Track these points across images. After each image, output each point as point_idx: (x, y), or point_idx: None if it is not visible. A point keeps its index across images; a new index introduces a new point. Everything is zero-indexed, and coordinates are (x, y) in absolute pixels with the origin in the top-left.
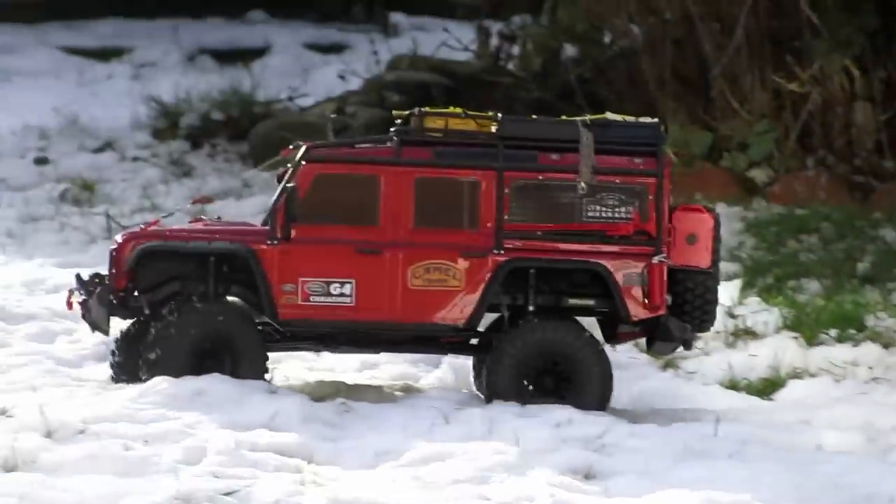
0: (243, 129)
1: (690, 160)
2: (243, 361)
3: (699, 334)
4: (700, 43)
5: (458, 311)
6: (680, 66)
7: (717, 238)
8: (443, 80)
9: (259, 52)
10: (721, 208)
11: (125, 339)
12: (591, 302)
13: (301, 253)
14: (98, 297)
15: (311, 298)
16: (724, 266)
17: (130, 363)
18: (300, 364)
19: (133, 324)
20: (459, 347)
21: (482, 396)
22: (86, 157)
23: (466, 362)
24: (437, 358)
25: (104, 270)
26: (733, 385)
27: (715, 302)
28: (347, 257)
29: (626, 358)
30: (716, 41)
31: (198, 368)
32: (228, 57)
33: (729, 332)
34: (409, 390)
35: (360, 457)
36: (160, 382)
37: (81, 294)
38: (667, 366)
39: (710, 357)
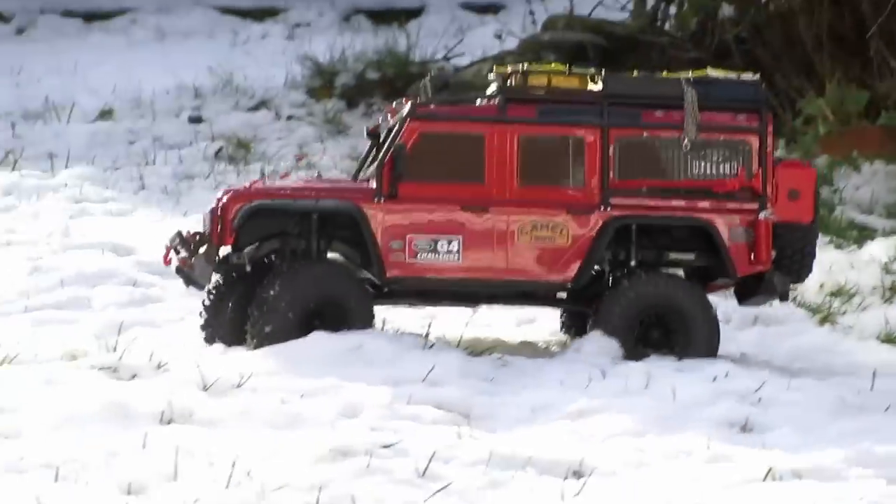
0: (399, 89)
1: (847, 119)
2: (353, 323)
3: (796, 286)
4: (857, 2)
5: (564, 268)
6: (837, 26)
7: (817, 193)
8: (598, 40)
9: (415, 13)
10: (878, 166)
11: (213, 299)
12: (691, 257)
13: (408, 210)
14: (206, 255)
15: (418, 256)
16: (882, 223)
17: (219, 323)
18: (456, 319)
19: (220, 283)
20: (562, 302)
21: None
22: (240, 116)
23: None
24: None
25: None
26: (890, 339)
27: (813, 255)
28: (454, 214)
29: (783, 313)
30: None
31: (307, 331)
32: (383, 17)
33: (886, 288)
34: (566, 345)
35: (518, 411)
36: (318, 338)
37: (182, 251)
38: (823, 320)
39: (866, 312)
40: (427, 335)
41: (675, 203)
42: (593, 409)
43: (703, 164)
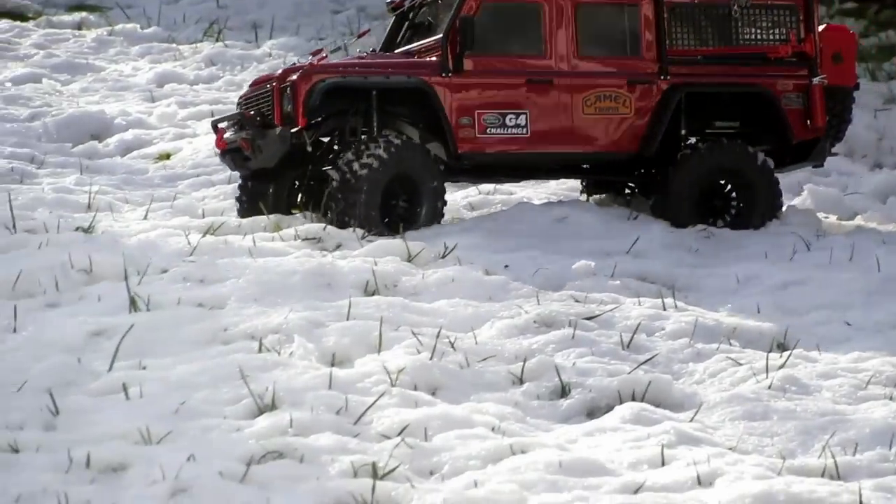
0: None
1: None
2: (425, 201)
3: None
4: None
5: (629, 139)
6: None
7: (856, 57)
8: None
9: None
10: None
11: (249, 181)
12: (736, 124)
13: (476, 85)
14: (280, 136)
15: (487, 131)
16: None
17: (256, 205)
18: None
19: (235, 160)
20: (627, 171)
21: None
22: None
23: (828, 190)
24: (798, 184)
25: None
26: None
27: (850, 120)
28: (519, 88)
29: None
30: None
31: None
32: None
33: None
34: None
35: (722, 282)
36: (523, 209)
37: (238, 133)
38: None
39: None
40: (629, 201)
41: (732, 70)
42: (797, 280)
43: (753, 29)
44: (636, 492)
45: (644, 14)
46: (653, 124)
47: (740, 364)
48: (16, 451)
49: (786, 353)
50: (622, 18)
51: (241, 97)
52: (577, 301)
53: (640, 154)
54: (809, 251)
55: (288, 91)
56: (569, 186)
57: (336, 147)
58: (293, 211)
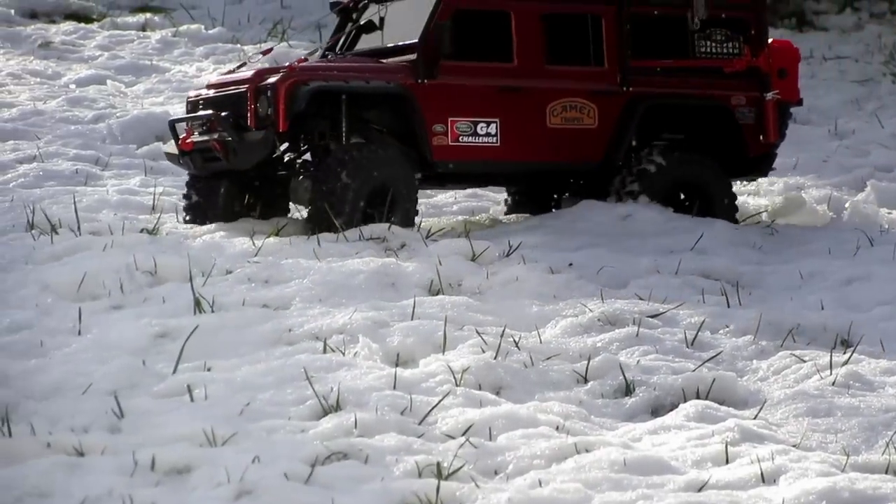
0: None
1: None
2: (398, 209)
3: None
4: None
5: (595, 149)
6: None
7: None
8: None
9: None
10: None
11: (202, 182)
12: (681, 137)
13: (450, 91)
14: (263, 140)
15: (460, 139)
16: None
17: (210, 205)
18: None
19: (200, 162)
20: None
21: None
22: None
23: (890, 185)
24: (861, 180)
25: None
26: None
27: (784, 136)
28: (491, 96)
29: None
30: None
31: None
32: None
33: None
34: (838, 210)
35: (786, 279)
36: (587, 207)
37: (212, 134)
38: None
39: None
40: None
41: (692, 83)
42: (861, 276)
43: (709, 42)
44: (700, 490)
45: (607, 24)
46: (617, 135)
47: (804, 361)
48: (81, 453)
49: (849, 350)
50: (586, 29)
51: (195, 98)
52: (641, 299)
53: (604, 164)
54: (873, 247)
55: (268, 93)
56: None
57: (302, 151)
58: (252, 214)
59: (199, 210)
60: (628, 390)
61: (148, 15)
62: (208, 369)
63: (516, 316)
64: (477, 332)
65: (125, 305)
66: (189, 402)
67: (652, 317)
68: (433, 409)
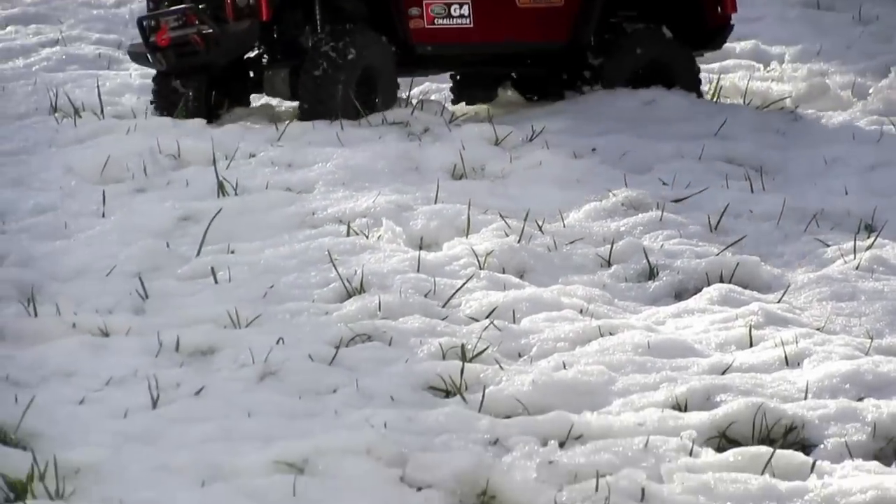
0: None
1: None
2: (383, 95)
3: None
4: None
5: (564, 28)
6: None
7: None
8: None
9: None
10: None
11: (168, 79)
12: (634, 13)
13: None
14: (248, 30)
15: (435, 21)
16: None
17: (173, 96)
18: (744, 74)
19: (174, 58)
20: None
21: None
22: None
23: None
24: (885, 66)
25: None
26: None
27: None
28: None
29: None
30: None
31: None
32: None
33: None
34: (862, 95)
35: (810, 165)
36: (611, 94)
37: (189, 28)
38: None
39: None
40: (717, 90)
41: None
42: (885, 162)
43: None
44: (724, 372)
45: None
46: (585, 13)
47: (827, 245)
48: (106, 334)
49: (873, 235)
50: None
51: None
52: (664, 184)
53: (572, 43)
54: None
55: None
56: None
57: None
58: (219, 111)
59: (169, 108)
60: (652, 274)
61: None
62: (232, 252)
63: (539, 200)
64: (500, 215)
65: (148, 188)
66: (213, 284)
67: (675, 201)
68: (457, 292)
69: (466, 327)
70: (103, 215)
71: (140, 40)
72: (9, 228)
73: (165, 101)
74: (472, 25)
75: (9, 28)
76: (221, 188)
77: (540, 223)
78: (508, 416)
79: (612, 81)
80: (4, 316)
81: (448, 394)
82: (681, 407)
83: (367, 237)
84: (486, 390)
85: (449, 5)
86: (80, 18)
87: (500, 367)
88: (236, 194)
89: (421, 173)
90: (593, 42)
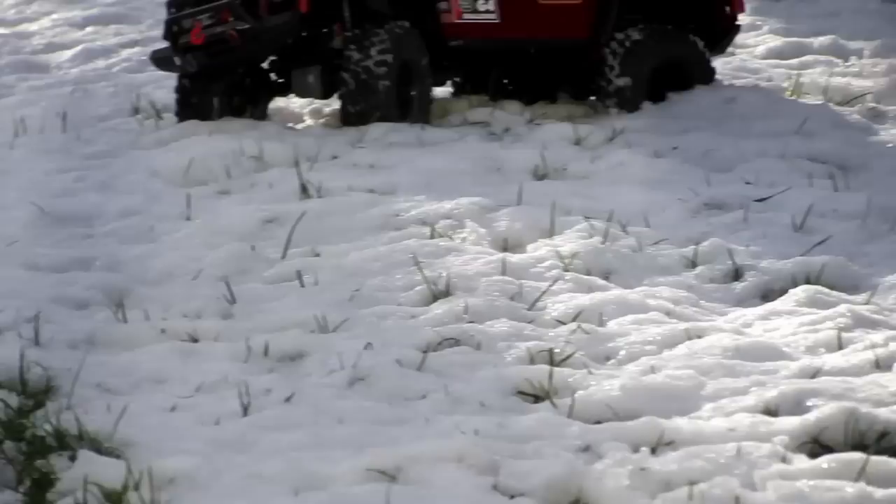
0: None
1: None
2: (420, 90)
3: None
4: None
5: (584, 24)
6: None
7: None
8: None
9: None
10: None
11: (193, 79)
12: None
13: None
14: (288, 23)
15: (463, 16)
16: None
17: (199, 103)
18: (824, 70)
19: (205, 58)
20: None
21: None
22: None
23: None
24: None
25: None
26: None
27: None
28: None
29: None
30: None
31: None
32: None
33: None
34: None
35: (893, 162)
36: (692, 93)
37: (224, 25)
38: None
39: None
40: (793, 87)
41: None
42: None
43: None
44: (814, 376)
45: None
46: (601, 10)
47: None
48: (195, 340)
49: None
50: None
51: None
52: (747, 183)
53: (591, 41)
54: None
55: None
56: None
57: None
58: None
59: (195, 111)
60: (737, 275)
61: None
62: (317, 255)
63: (622, 200)
64: (584, 216)
65: (232, 191)
66: (299, 287)
67: (759, 200)
68: (543, 294)
69: (553, 330)
70: (188, 218)
71: (165, 45)
72: (96, 232)
73: (190, 109)
74: (498, 20)
75: (88, 29)
76: (305, 190)
77: (623, 224)
78: (598, 422)
79: (635, 83)
80: (95, 321)
81: (537, 399)
82: (772, 412)
83: (451, 239)
84: (576, 395)
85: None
86: (159, 18)
87: (589, 371)
88: (319, 196)
89: (503, 174)
90: (610, 41)
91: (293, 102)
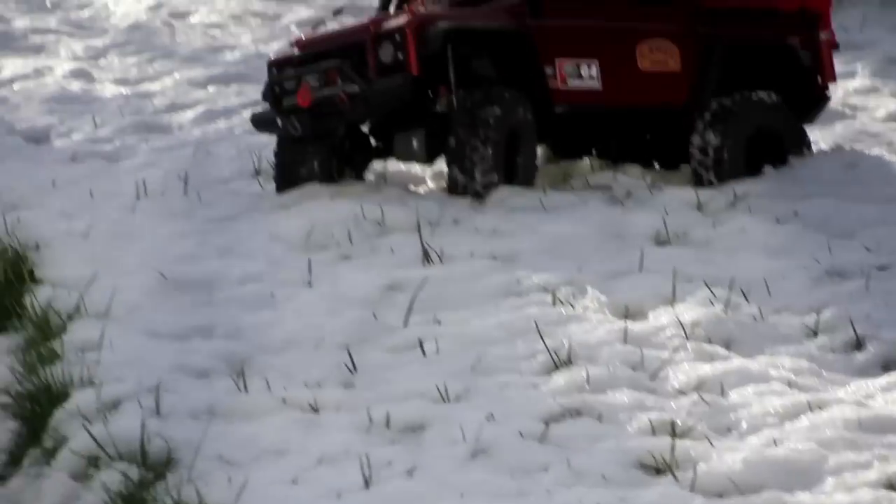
0: None
1: None
2: (526, 156)
3: None
4: None
5: (679, 91)
6: None
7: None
8: None
9: None
10: None
11: (289, 146)
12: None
13: (555, 32)
14: (401, 86)
15: (567, 81)
16: None
17: (298, 171)
18: None
19: (310, 120)
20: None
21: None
22: None
23: None
24: None
25: None
26: None
27: None
28: (588, 37)
29: None
30: None
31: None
32: None
33: None
34: None
35: None
36: (815, 158)
37: (333, 87)
38: None
39: None
40: None
41: (757, 25)
42: None
43: None
44: None
45: None
46: (699, 77)
47: None
48: (316, 410)
49: None
50: None
51: (283, 58)
52: (869, 250)
53: (688, 107)
54: None
55: (395, 38)
56: None
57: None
58: (339, 178)
59: (293, 176)
60: (859, 345)
61: None
62: (438, 322)
63: (744, 267)
64: (706, 284)
65: (354, 256)
66: (421, 356)
67: (880, 269)
68: (664, 363)
69: (674, 400)
70: (310, 284)
71: (265, 107)
72: (216, 298)
73: (289, 172)
74: (600, 87)
75: (210, 88)
76: (426, 256)
77: (745, 291)
78: (721, 495)
79: (731, 152)
80: (216, 391)
81: (659, 471)
82: (895, 487)
83: (572, 307)
84: (698, 468)
85: (579, 65)
86: None
87: (711, 443)
88: (441, 262)
89: (625, 239)
90: (706, 109)
91: (416, 165)
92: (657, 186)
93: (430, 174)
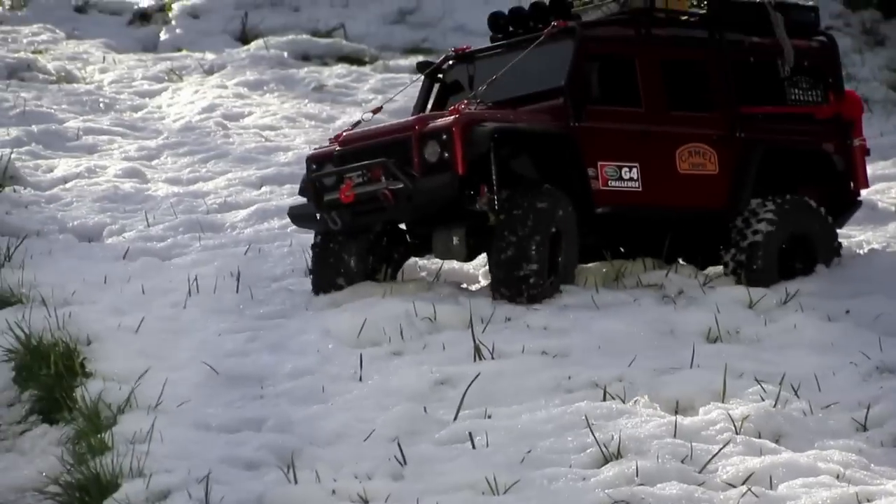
0: None
1: None
2: (567, 257)
3: None
4: None
5: (717, 195)
6: None
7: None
8: None
9: None
10: None
11: (330, 242)
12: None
13: (596, 135)
14: (448, 184)
15: (609, 183)
16: None
17: (336, 262)
18: None
19: (350, 216)
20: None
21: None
22: None
23: None
24: None
25: None
26: None
27: None
28: (629, 140)
29: None
30: None
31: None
32: None
33: None
34: None
35: None
36: (868, 256)
37: (377, 183)
38: None
39: None
40: None
41: (793, 130)
42: None
43: (797, 90)
44: None
45: (714, 70)
46: (737, 181)
47: None
48: (365, 501)
49: None
50: (696, 74)
51: (323, 154)
52: None
53: (727, 211)
54: None
55: (442, 137)
56: None
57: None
58: (377, 276)
59: (330, 274)
60: None
61: (420, 57)
62: (489, 416)
63: (794, 364)
64: (756, 380)
65: (405, 352)
66: (470, 449)
67: None
68: (714, 457)
69: (723, 493)
70: (360, 379)
71: (303, 200)
72: (267, 393)
73: (327, 268)
74: (640, 188)
75: (263, 189)
76: (478, 352)
77: (795, 387)
78: None
79: (767, 255)
80: (265, 482)
81: None
82: None
83: (623, 402)
84: None
85: (620, 168)
86: None
87: None
88: (492, 358)
89: (676, 337)
90: (743, 212)
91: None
92: (710, 285)
93: (483, 272)
